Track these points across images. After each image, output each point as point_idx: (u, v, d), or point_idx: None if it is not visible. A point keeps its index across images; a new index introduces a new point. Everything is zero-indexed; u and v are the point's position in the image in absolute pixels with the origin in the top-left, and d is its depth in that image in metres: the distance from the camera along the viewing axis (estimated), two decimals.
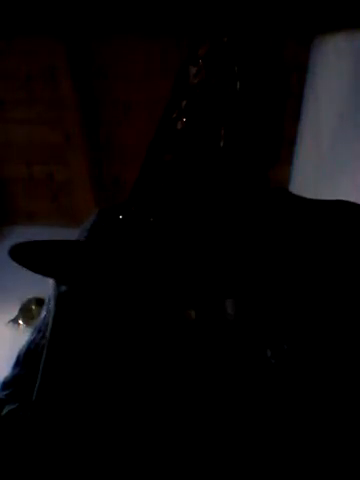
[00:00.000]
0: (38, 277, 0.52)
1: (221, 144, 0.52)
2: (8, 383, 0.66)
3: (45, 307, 0.71)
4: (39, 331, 0.69)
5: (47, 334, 0.53)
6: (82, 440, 0.50)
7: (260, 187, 0.65)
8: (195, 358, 0.54)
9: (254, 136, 0.58)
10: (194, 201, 0.50)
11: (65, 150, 2.56)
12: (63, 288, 0.52)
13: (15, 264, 0.50)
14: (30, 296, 2.29)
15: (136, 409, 0.51)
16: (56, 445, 0.50)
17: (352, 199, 0.69)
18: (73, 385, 0.51)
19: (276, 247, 0.53)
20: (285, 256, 0.53)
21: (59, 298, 0.52)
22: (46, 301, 0.71)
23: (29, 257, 0.48)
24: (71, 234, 0.78)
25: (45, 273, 0.49)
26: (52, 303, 0.53)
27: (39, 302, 2.25)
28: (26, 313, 2.27)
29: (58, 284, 0.52)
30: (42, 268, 0.48)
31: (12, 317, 2.25)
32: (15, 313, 2.26)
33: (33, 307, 2.27)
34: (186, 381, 0.53)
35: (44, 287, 0.73)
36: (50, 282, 0.55)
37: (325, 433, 0.51)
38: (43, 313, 0.71)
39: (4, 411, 0.61)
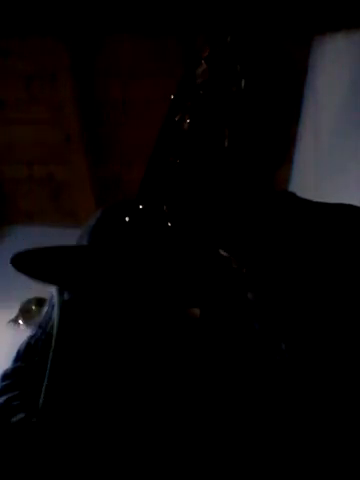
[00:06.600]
0: None
1: (226, 144, 0.52)
2: (8, 375, 0.67)
3: (47, 303, 0.72)
4: (40, 327, 0.70)
5: (52, 343, 0.53)
6: (89, 445, 0.51)
7: (265, 189, 0.66)
8: (201, 358, 0.54)
9: (260, 136, 0.58)
10: (201, 201, 0.50)
11: (65, 150, 2.56)
12: (67, 296, 0.52)
13: None
14: (30, 296, 2.29)
15: (143, 413, 0.52)
16: (63, 451, 0.51)
17: (352, 199, 0.70)
18: (80, 392, 0.51)
19: (281, 249, 0.53)
20: (289, 258, 0.54)
21: (63, 306, 0.52)
22: (49, 297, 0.72)
23: (32, 265, 0.47)
24: (71, 234, 0.78)
25: (48, 281, 0.49)
26: (56, 311, 0.53)
27: (39, 302, 2.25)
28: (26, 313, 2.27)
29: (62, 291, 0.52)
30: (45, 275, 0.48)
31: (12, 317, 2.25)
32: (15, 313, 2.27)
33: (33, 307, 2.27)
34: (192, 380, 0.53)
35: (44, 287, 0.73)
36: (53, 289, 0.55)
37: (330, 430, 0.51)
38: (45, 309, 0.72)
39: (2, 401, 0.62)
